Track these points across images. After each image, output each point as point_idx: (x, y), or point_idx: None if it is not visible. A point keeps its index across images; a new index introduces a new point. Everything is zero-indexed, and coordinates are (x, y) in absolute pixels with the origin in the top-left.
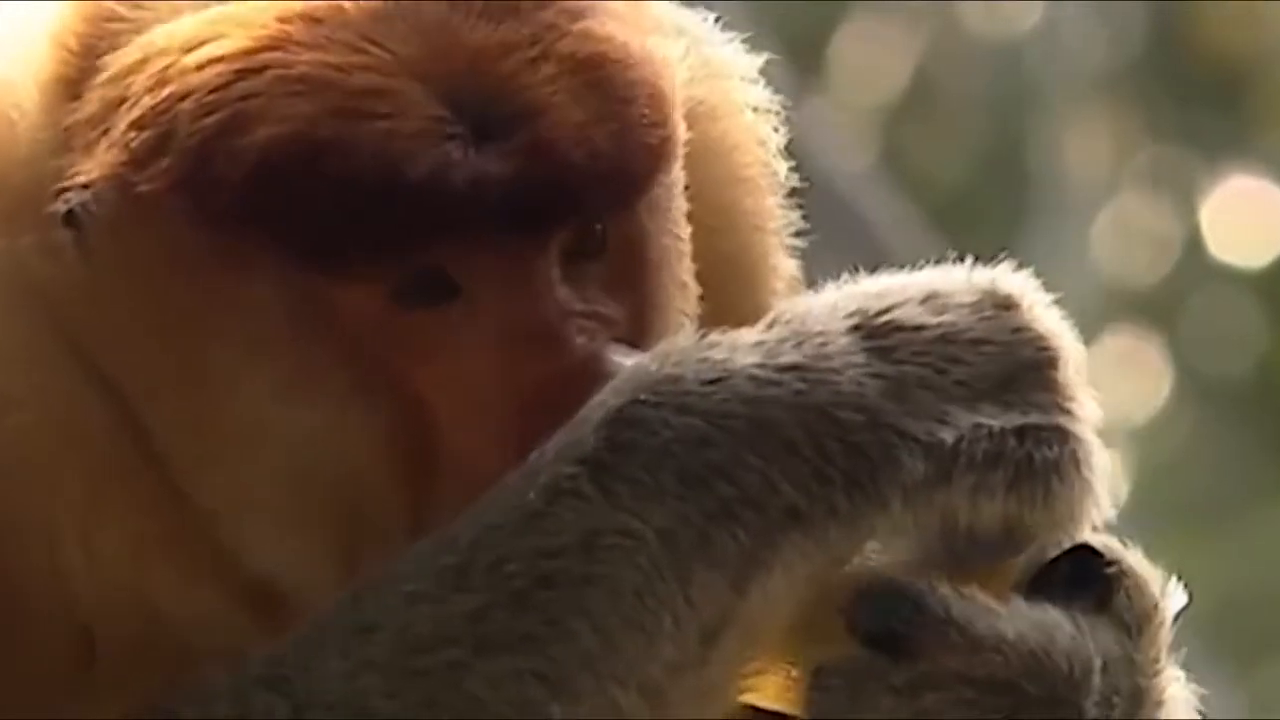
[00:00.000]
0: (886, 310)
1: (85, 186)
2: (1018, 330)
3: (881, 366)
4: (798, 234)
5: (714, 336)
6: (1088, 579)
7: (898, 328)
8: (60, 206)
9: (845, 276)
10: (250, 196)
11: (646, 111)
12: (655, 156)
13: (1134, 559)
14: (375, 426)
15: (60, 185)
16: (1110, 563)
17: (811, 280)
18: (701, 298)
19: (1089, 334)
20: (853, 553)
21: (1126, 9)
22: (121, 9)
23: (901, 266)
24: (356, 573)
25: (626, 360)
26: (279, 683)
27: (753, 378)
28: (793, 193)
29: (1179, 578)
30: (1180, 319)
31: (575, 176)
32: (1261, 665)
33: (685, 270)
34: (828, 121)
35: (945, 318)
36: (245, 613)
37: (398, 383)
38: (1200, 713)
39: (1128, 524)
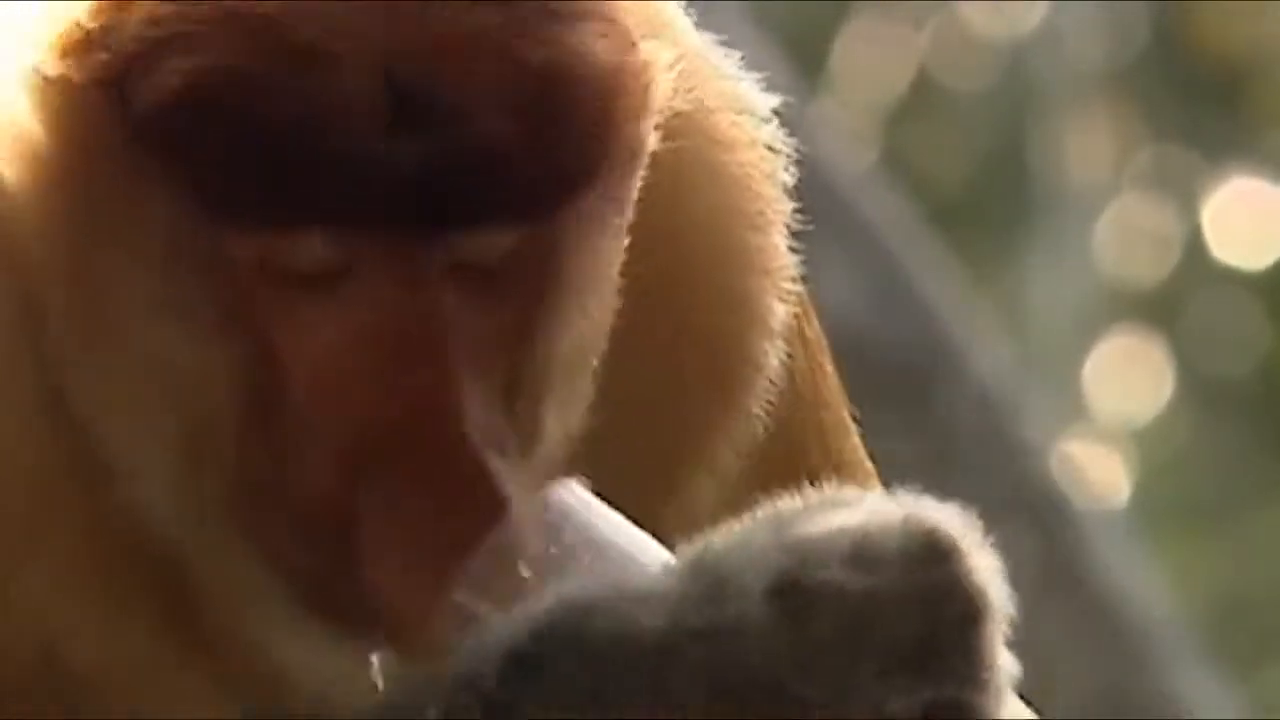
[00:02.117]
0: (810, 568)
1: (47, 53)
2: (946, 588)
3: (794, 633)
4: (799, 234)
5: (625, 581)
6: None
7: (819, 589)
8: (31, 68)
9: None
10: (168, 118)
11: (582, 132)
12: (576, 179)
13: None
14: (230, 364)
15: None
16: None
17: (813, 279)
18: (693, 333)
19: (1091, 334)
20: None
21: (1128, 9)
22: None
23: (903, 266)
24: (237, 528)
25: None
26: None
27: (658, 646)
28: (794, 192)
29: (1180, 577)
30: (1182, 319)
31: (477, 182)
32: (1264, 666)
33: (606, 289)
34: (830, 121)
35: (869, 580)
36: (160, 648)
37: (262, 338)
38: (1191, 712)
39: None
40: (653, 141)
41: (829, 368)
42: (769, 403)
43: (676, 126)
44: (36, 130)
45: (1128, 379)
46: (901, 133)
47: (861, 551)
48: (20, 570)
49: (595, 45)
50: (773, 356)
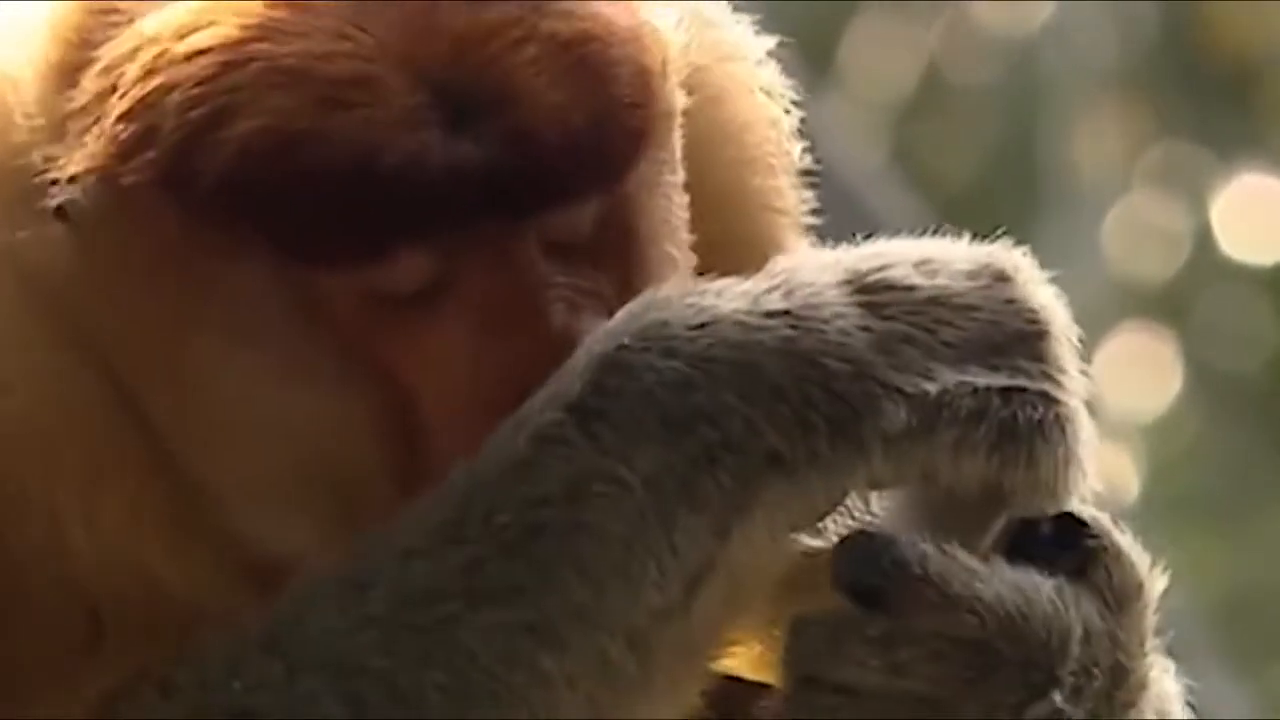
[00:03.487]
0: (880, 269)
1: (73, 179)
2: (1010, 301)
3: (870, 321)
4: (809, 229)
5: (703, 284)
6: (1070, 545)
7: (889, 286)
8: (51, 200)
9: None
10: (231, 189)
11: (629, 91)
12: (637, 137)
13: (1121, 537)
14: (362, 412)
15: (52, 177)
16: (1094, 534)
17: None
18: (712, 277)
19: (1100, 330)
20: (834, 503)
21: (1138, 6)
22: (122, 4)
23: None
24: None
25: None
26: (273, 644)
27: (739, 323)
28: (804, 185)
29: (1188, 574)
30: (1191, 316)
31: (552, 161)
32: (1272, 661)
33: (679, 244)
34: (839, 117)
35: (938, 281)
36: (246, 576)
37: (383, 369)
38: (1200, 708)
39: (1137, 519)
40: (680, 99)
41: None
42: None
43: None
44: (97, 246)
45: (1137, 374)
46: (911, 130)
47: (929, 261)
48: (98, 500)
49: (611, 12)
50: None
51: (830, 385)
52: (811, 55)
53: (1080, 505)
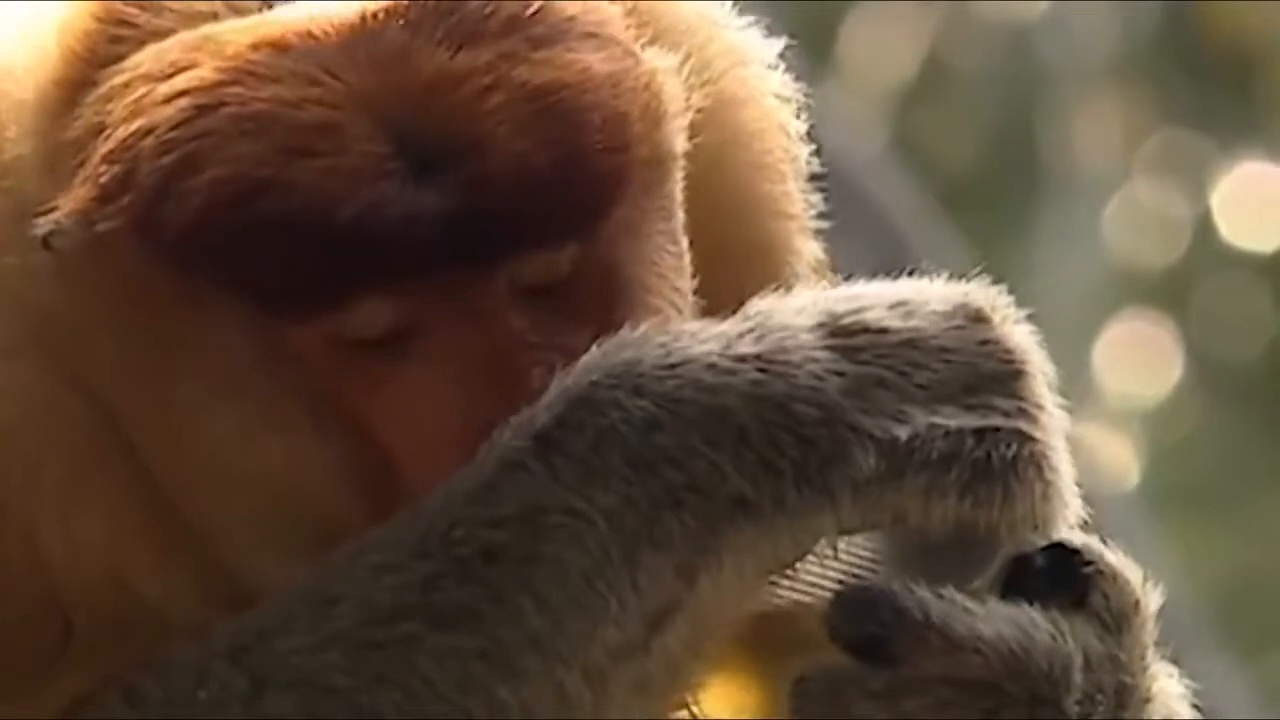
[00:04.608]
0: (855, 312)
1: (63, 215)
2: (985, 343)
3: (843, 364)
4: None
5: (678, 326)
6: (1065, 576)
7: (863, 329)
8: (38, 230)
9: (857, 259)
10: (198, 238)
11: (600, 138)
12: (609, 183)
13: (1113, 557)
14: (335, 458)
15: (40, 210)
16: (1088, 561)
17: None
18: (725, 285)
19: (1100, 318)
20: (804, 547)
21: None
22: (131, 11)
23: (913, 249)
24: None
25: None
26: (240, 655)
27: (710, 365)
28: (809, 182)
29: (1187, 560)
30: (1191, 303)
31: (513, 208)
32: (1272, 649)
33: (666, 291)
34: (839, 105)
35: (912, 323)
36: (224, 592)
37: (354, 416)
38: (1199, 697)
39: (1137, 507)
40: (681, 143)
41: None
42: None
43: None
44: (79, 282)
45: (1137, 362)
46: (911, 117)
47: (904, 303)
48: (76, 505)
49: (590, 59)
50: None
51: (798, 430)
52: (812, 43)
53: (1070, 533)
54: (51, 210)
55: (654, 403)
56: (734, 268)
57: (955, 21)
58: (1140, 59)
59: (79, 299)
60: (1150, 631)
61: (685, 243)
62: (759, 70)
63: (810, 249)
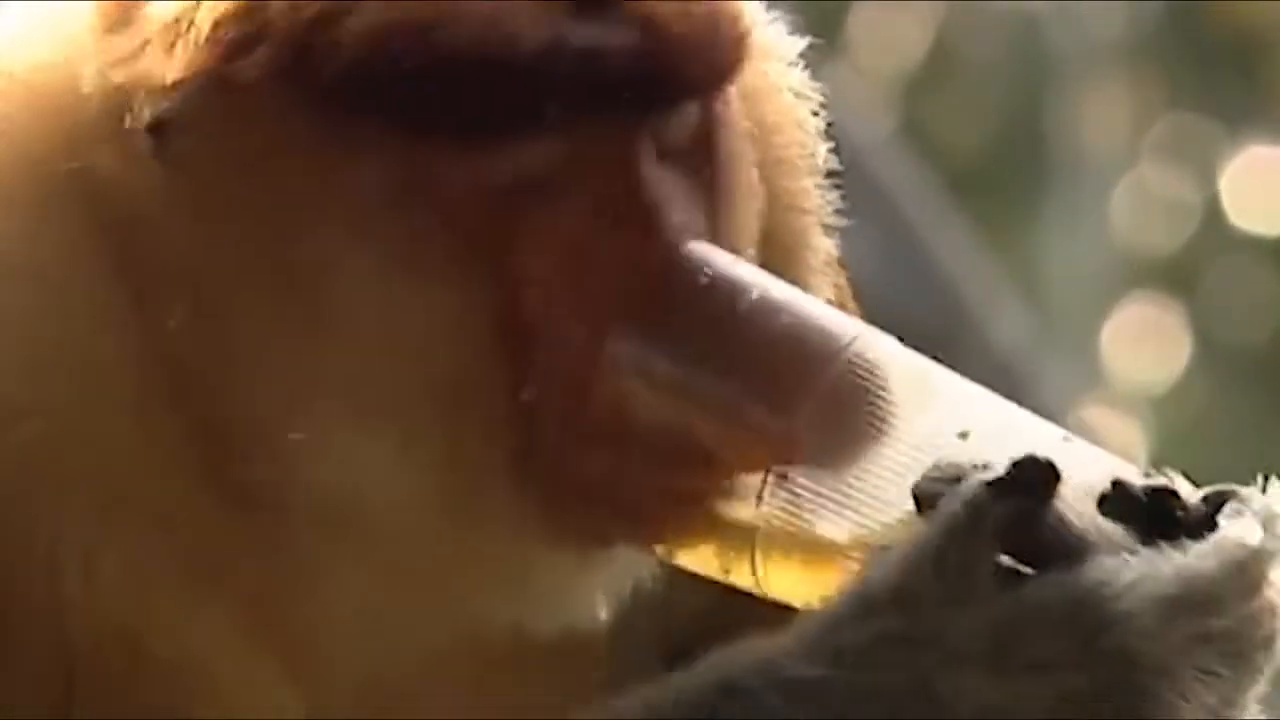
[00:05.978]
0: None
1: (170, 89)
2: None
3: None
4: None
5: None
6: (1161, 514)
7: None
8: (142, 114)
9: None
10: (358, 78)
11: (730, 7)
12: (742, 44)
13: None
14: (477, 305)
15: (135, 95)
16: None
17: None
18: None
19: (1108, 302)
20: None
21: None
22: None
23: (921, 235)
24: (452, 470)
25: (710, 254)
26: None
27: None
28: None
29: None
30: (1199, 287)
31: (682, 53)
32: None
33: (753, 177)
34: (847, 90)
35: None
36: (242, 644)
37: (500, 261)
38: None
39: None
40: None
41: (855, 310)
42: None
43: None
44: (195, 155)
45: (1145, 346)
46: (919, 101)
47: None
48: (105, 544)
49: None
50: (822, 290)
51: None
52: (820, 27)
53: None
54: (149, 94)
55: None
56: (749, 262)
57: (963, 7)
58: (1147, 43)
59: (193, 174)
60: None
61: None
62: (779, 66)
63: (825, 245)
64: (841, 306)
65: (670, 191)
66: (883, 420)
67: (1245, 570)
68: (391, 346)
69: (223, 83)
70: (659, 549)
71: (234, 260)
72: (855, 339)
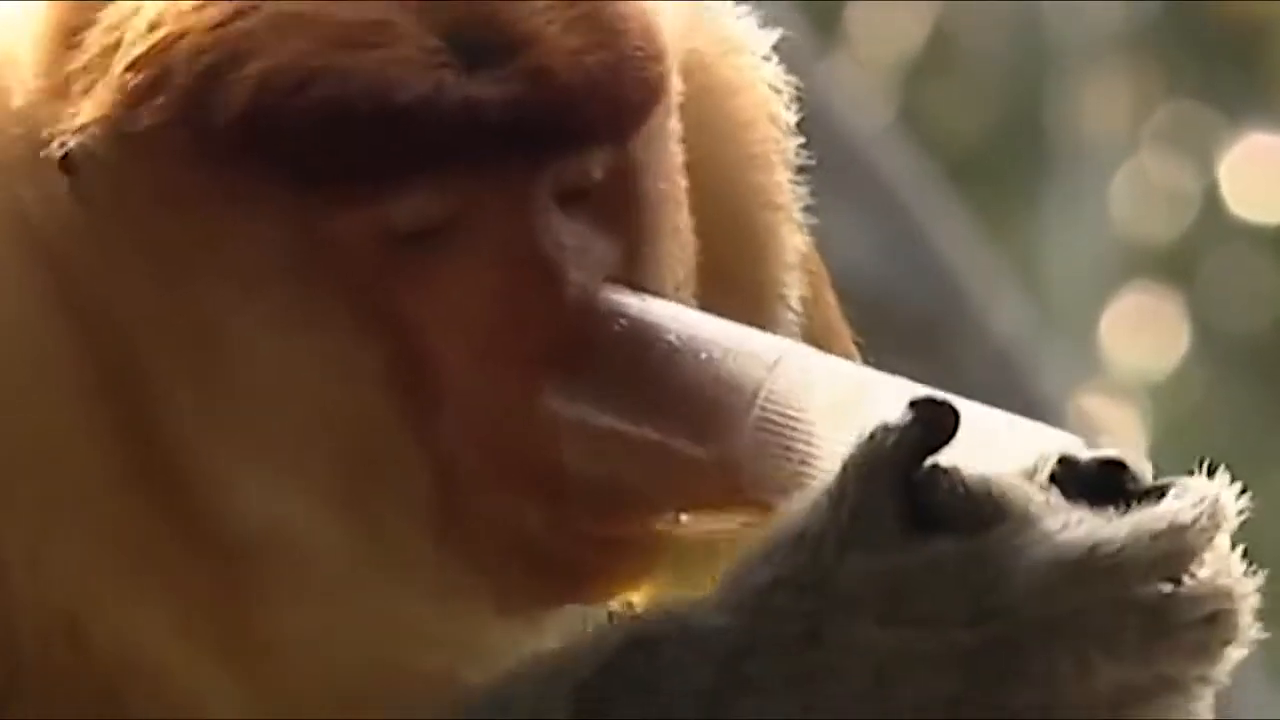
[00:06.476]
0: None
1: (81, 129)
2: None
3: None
4: (816, 190)
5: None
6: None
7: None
8: (56, 150)
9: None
10: (246, 128)
11: (640, 45)
12: (649, 89)
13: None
14: (375, 358)
15: (58, 131)
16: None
17: (830, 235)
18: (710, 274)
19: (1107, 290)
20: None
21: None
22: None
23: (920, 223)
24: (366, 523)
25: (622, 299)
26: None
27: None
28: (810, 148)
29: None
30: (1198, 275)
31: (571, 101)
32: (1276, 620)
33: (681, 218)
34: (846, 78)
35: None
36: (185, 641)
37: (396, 313)
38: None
39: None
40: (679, 86)
41: (831, 299)
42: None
43: (681, 74)
44: (102, 196)
45: (1144, 334)
46: (918, 89)
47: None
48: (49, 537)
49: None
50: (793, 287)
51: None
52: (819, 15)
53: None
54: (69, 131)
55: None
56: (720, 257)
57: None
58: (1147, 31)
59: (100, 215)
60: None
61: (684, 182)
62: (752, 59)
63: (797, 241)
64: (817, 300)
65: (573, 238)
66: (806, 444)
67: (1163, 542)
68: (288, 397)
69: (125, 128)
70: (611, 599)
71: (138, 302)
72: (777, 362)
